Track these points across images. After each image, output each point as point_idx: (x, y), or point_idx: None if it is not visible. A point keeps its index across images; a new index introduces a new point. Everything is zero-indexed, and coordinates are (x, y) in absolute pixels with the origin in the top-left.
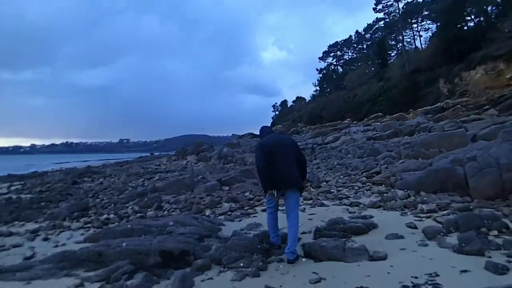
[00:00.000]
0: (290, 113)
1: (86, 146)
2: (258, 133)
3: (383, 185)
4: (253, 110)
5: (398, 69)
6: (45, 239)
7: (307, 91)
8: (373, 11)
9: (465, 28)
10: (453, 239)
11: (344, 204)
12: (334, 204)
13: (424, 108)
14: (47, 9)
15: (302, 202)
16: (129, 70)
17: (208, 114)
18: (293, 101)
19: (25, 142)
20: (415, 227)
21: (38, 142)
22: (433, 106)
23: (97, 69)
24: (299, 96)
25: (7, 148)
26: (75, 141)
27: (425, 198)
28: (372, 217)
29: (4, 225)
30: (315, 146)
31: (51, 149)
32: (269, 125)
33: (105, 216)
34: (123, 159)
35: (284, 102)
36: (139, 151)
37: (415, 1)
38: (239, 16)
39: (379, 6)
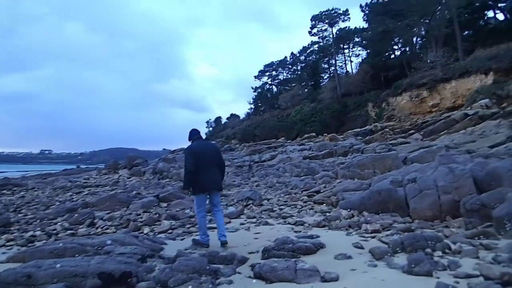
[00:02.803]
0: (223, 130)
1: (2, 156)
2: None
3: (325, 204)
4: (184, 125)
5: (330, 91)
6: None
7: (238, 109)
8: (307, 34)
9: (392, 56)
10: (400, 259)
11: (289, 223)
12: (279, 223)
13: (354, 130)
14: None
15: (245, 220)
16: (50, 79)
17: (137, 128)
18: (227, 118)
19: None
20: (362, 247)
21: None
22: (362, 129)
23: (15, 75)
24: (233, 113)
25: None
26: None
27: (368, 218)
28: (318, 236)
29: None
30: (252, 163)
31: None
32: (198, 128)
33: (30, 233)
34: (45, 171)
35: (218, 119)
36: (62, 163)
37: (347, 28)
38: (169, 30)
39: (314, 30)
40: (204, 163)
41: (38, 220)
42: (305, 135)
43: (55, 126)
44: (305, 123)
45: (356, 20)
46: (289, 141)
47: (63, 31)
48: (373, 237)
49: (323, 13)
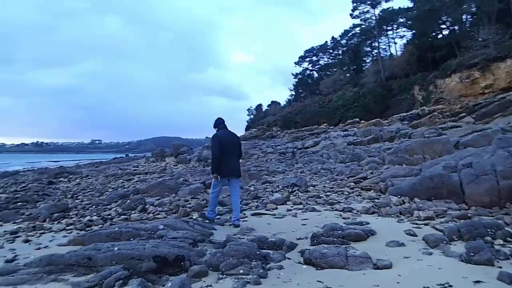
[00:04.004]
0: (264, 117)
1: (57, 146)
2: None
3: (372, 191)
4: (223, 114)
5: (373, 75)
6: (26, 241)
7: (276, 96)
8: (348, 18)
9: (440, 36)
10: (457, 247)
11: (337, 210)
12: (326, 210)
13: (400, 114)
14: (7, 7)
15: (292, 207)
16: (95, 71)
17: (179, 117)
18: (268, 105)
19: None
20: (415, 235)
21: (7, 141)
22: (408, 113)
23: (62, 69)
24: (274, 100)
25: None
26: (45, 141)
27: (420, 205)
28: (368, 223)
29: None
30: (295, 150)
31: (21, 149)
32: (222, 118)
33: (87, 218)
34: (97, 160)
35: (259, 106)
36: (111, 152)
37: (391, 8)
38: (203, 20)
39: (356, 12)
40: (228, 150)
41: (94, 206)
42: (348, 121)
43: (103, 117)
44: (348, 108)
45: (400, 0)
46: (331, 127)
47: (102, 25)
48: (426, 224)
49: None
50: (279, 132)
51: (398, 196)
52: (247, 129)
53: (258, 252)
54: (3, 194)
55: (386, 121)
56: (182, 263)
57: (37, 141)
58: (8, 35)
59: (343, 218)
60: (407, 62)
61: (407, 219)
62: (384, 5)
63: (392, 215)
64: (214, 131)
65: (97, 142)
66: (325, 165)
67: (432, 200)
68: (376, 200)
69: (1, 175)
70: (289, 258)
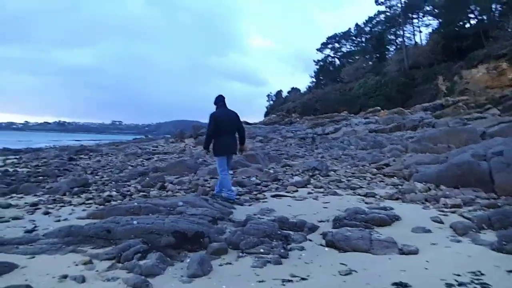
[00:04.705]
0: (284, 103)
1: (78, 126)
2: (250, 121)
3: (396, 177)
4: (242, 99)
5: (396, 64)
6: (46, 213)
7: (295, 82)
8: (372, 5)
9: (467, 25)
10: (487, 236)
11: (359, 194)
12: (348, 194)
13: (422, 104)
14: None
15: (312, 190)
16: (116, 52)
17: (198, 100)
18: (288, 92)
19: (18, 119)
20: (441, 222)
21: (31, 119)
22: (431, 103)
23: (83, 49)
24: (294, 87)
25: (0, 124)
26: (67, 120)
27: (447, 193)
28: (392, 208)
29: (1, 196)
30: (315, 136)
31: (44, 127)
32: (223, 95)
33: (107, 193)
34: (117, 140)
35: (279, 92)
36: (131, 134)
37: None
38: (224, 2)
39: None
40: (225, 129)
41: (113, 182)
42: (369, 109)
43: (123, 98)
44: (369, 97)
45: None
46: (352, 115)
47: (123, 6)
48: (453, 212)
49: None
50: (298, 119)
51: (424, 183)
52: (266, 115)
53: (279, 232)
54: (25, 168)
55: (409, 110)
56: (201, 240)
57: (60, 120)
58: (30, 15)
59: (366, 203)
60: (432, 51)
61: (433, 206)
62: None
63: (417, 202)
64: (214, 108)
65: (117, 123)
66: (346, 151)
67: (460, 188)
68: (400, 187)
69: (24, 151)
70: (310, 240)
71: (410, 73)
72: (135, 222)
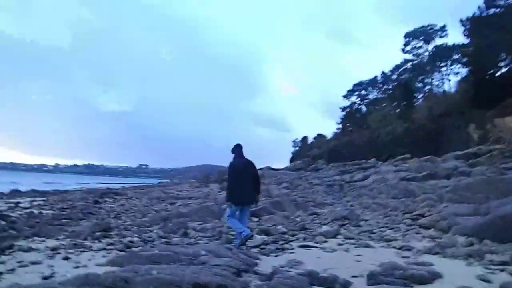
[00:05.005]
0: (310, 150)
1: (106, 169)
2: (275, 167)
3: (433, 229)
4: (267, 144)
5: (425, 111)
6: (65, 258)
7: (320, 128)
8: (399, 53)
9: (498, 73)
10: None
11: (394, 247)
12: (382, 246)
13: (454, 152)
14: (61, 32)
15: (343, 241)
16: (146, 98)
17: (223, 146)
18: (314, 138)
19: (49, 161)
20: (489, 281)
21: (62, 162)
22: (464, 151)
23: (116, 93)
24: (320, 133)
25: (32, 165)
26: (96, 163)
27: (493, 248)
28: (431, 264)
29: (24, 239)
30: (343, 183)
31: (73, 170)
32: (240, 144)
33: (128, 238)
34: (142, 184)
35: (305, 138)
36: (157, 177)
37: (445, 44)
38: (251, 50)
39: (408, 47)
40: (240, 178)
41: (136, 227)
42: (398, 157)
43: (151, 142)
44: (397, 144)
45: (454, 36)
46: (380, 162)
47: (158, 53)
48: (501, 270)
49: (418, 30)
50: (324, 165)
51: (465, 236)
52: (291, 160)
53: None
54: (50, 210)
55: (440, 158)
56: None
57: (88, 163)
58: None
59: (402, 257)
60: (462, 99)
61: (477, 263)
62: (438, 41)
63: (459, 257)
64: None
65: (144, 166)
66: (376, 200)
67: (507, 243)
68: (439, 240)
69: (51, 193)
70: None
71: (440, 121)
72: (154, 272)
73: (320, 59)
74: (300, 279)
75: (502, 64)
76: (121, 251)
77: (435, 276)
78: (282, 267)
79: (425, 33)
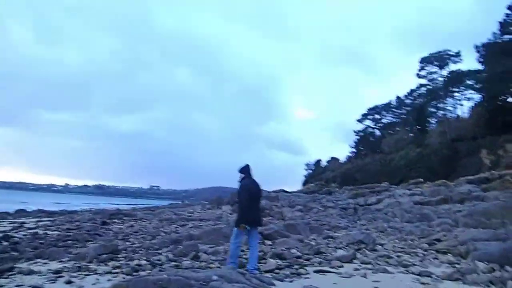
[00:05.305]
0: (323, 173)
1: (117, 190)
2: (288, 189)
3: (450, 254)
4: (281, 167)
5: (438, 136)
6: (68, 282)
7: (334, 152)
8: (413, 78)
9: (511, 99)
10: None
11: (412, 273)
12: (400, 272)
13: (466, 177)
14: (84, 57)
15: (359, 266)
16: (159, 119)
17: (236, 168)
18: (327, 161)
19: (59, 181)
20: None
21: (71, 182)
22: (476, 176)
23: (130, 115)
24: (333, 156)
25: (41, 185)
26: (106, 184)
27: None
28: None
29: (25, 261)
30: (357, 206)
31: (83, 190)
32: (249, 164)
33: (136, 261)
34: (153, 205)
35: (318, 162)
36: (168, 199)
37: (459, 70)
38: (268, 75)
39: (423, 72)
40: (254, 200)
41: (144, 250)
42: (411, 181)
43: (163, 163)
44: (410, 168)
45: (469, 62)
46: (393, 186)
47: (172, 75)
48: None
49: (433, 55)
50: (337, 189)
51: (485, 262)
52: (304, 183)
53: None
54: (56, 231)
55: (452, 183)
56: None
57: (99, 184)
58: (86, 83)
59: (422, 283)
60: (475, 125)
61: None
62: (452, 66)
63: (481, 284)
64: (238, 176)
65: (155, 188)
66: (391, 224)
67: None
68: (457, 265)
69: (59, 214)
70: None
71: (453, 146)
72: None
73: (336, 84)
74: None
75: None
76: (127, 274)
77: None
78: None
79: (439, 59)
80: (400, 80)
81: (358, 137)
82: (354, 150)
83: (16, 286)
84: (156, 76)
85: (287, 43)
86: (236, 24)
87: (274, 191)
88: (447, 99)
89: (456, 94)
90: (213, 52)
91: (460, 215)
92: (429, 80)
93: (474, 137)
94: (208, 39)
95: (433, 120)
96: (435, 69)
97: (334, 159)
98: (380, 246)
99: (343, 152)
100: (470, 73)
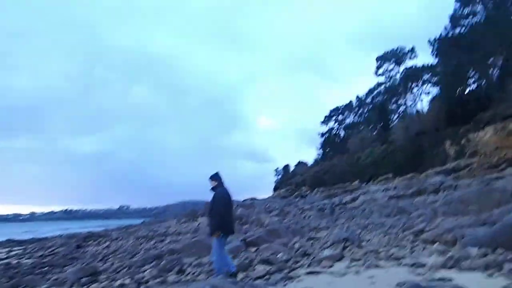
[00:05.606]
0: (292, 177)
1: (85, 213)
2: (259, 196)
3: (438, 243)
4: (250, 176)
5: (401, 132)
6: None
7: (301, 157)
8: (370, 78)
9: (468, 90)
10: None
11: (405, 265)
12: (392, 265)
13: (434, 169)
14: (36, 82)
15: (350, 263)
16: (122, 138)
17: (205, 181)
18: (295, 166)
19: (25, 210)
20: None
21: (37, 209)
22: (443, 167)
23: (91, 136)
24: (301, 160)
25: (7, 215)
26: (74, 208)
27: (509, 256)
28: (450, 279)
29: None
30: (333, 206)
31: (50, 216)
32: (219, 171)
33: (119, 281)
34: (125, 224)
35: (286, 167)
36: (139, 217)
37: (414, 66)
38: (228, 86)
39: (380, 70)
40: (229, 208)
41: (126, 268)
42: (381, 177)
43: (130, 182)
44: (377, 165)
45: (424, 57)
46: (363, 184)
47: (131, 93)
48: None
49: (389, 53)
50: (308, 192)
51: (477, 247)
52: (275, 189)
53: None
54: (30, 259)
55: (421, 175)
56: None
57: (66, 209)
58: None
59: (418, 274)
60: (436, 118)
61: (497, 273)
62: (409, 62)
63: (477, 269)
64: (209, 183)
65: (124, 207)
66: (370, 220)
67: None
68: (448, 253)
69: (29, 242)
70: None
71: (417, 140)
72: None
73: (296, 90)
74: None
75: (471, 81)
76: None
77: None
78: None
79: (395, 56)
80: (360, 81)
81: (323, 139)
82: (321, 152)
83: None
84: (114, 95)
85: (245, 54)
86: (192, 38)
87: (244, 200)
88: (407, 95)
89: (414, 89)
90: (171, 67)
91: (437, 205)
92: (387, 78)
93: (437, 130)
94: (164, 54)
95: (394, 117)
96: (392, 66)
97: (301, 163)
98: (365, 242)
99: (310, 155)
100: (426, 68)
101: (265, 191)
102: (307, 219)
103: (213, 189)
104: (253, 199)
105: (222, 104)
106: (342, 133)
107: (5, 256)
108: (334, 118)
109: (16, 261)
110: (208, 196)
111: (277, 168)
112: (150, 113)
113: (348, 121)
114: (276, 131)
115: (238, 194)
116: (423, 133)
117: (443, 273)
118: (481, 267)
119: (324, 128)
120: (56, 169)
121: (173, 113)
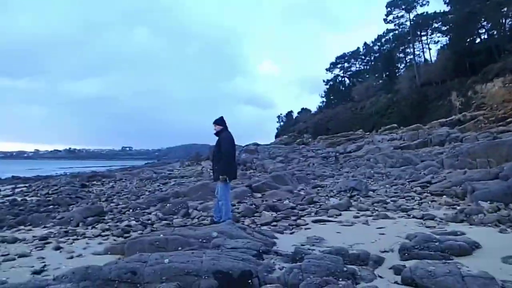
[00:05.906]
0: (295, 124)
1: (89, 153)
2: (260, 142)
3: (445, 196)
4: (251, 121)
5: (407, 81)
6: (57, 248)
7: (303, 104)
8: (375, 25)
9: (478, 40)
10: None
11: (415, 217)
12: (401, 217)
13: (439, 120)
14: (37, 23)
15: (358, 213)
16: (124, 82)
17: (208, 125)
18: (298, 113)
19: (29, 147)
20: None
21: (42, 147)
22: (448, 119)
23: (92, 80)
24: (304, 107)
25: (11, 152)
26: (77, 147)
27: None
28: (463, 233)
29: (8, 229)
30: (338, 155)
31: (54, 155)
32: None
33: (125, 222)
34: (129, 166)
35: (289, 113)
36: (142, 159)
37: (425, 13)
38: (229, 30)
39: (390, 17)
40: (235, 152)
41: (131, 210)
42: (384, 127)
43: (133, 125)
44: (381, 115)
45: (435, 4)
46: (367, 133)
47: (132, 37)
48: None
49: None
50: (310, 139)
51: (488, 202)
52: (277, 136)
53: (345, 269)
54: (34, 197)
55: (426, 126)
56: (250, 281)
57: (70, 148)
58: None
59: (427, 227)
60: (444, 68)
61: (510, 229)
62: (419, 9)
63: (489, 224)
64: (213, 128)
65: (127, 149)
66: (375, 170)
67: None
68: (458, 207)
69: (34, 179)
70: (381, 277)
71: (422, 90)
72: (166, 260)
73: (300, 38)
74: (336, 259)
75: (482, 31)
76: (118, 236)
77: (474, 246)
78: (303, 245)
79: (406, 2)
80: (369, 29)
81: (328, 87)
82: (325, 100)
83: (2, 255)
84: (115, 38)
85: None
86: None
87: (247, 145)
88: (415, 43)
89: (423, 38)
90: (172, 10)
91: (443, 157)
92: (396, 25)
93: (443, 80)
94: None
95: (401, 66)
96: (402, 12)
97: (305, 110)
98: (372, 192)
99: (313, 103)
100: (437, 16)
101: (267, 137)
102: (311, 166)
103: (217, 133)
104: (255, 144)
105: (223, 49)
106: (347, 81)
107: (11, 193)
108: (340, 65)
109: (22, 198)
110: (211, 140)
111: (280, 115)
112: (151, 58)
113: (354, 69)
114: (278, 77)
115: (239, 139)
116: (430, 84)
117: (454, 226)
118: (493, 222)
119: (329, 76)
120: (60, 110)
121: (174, 58)
